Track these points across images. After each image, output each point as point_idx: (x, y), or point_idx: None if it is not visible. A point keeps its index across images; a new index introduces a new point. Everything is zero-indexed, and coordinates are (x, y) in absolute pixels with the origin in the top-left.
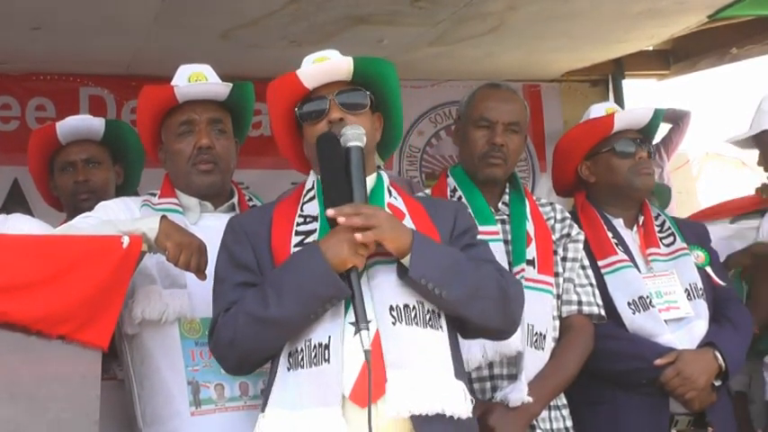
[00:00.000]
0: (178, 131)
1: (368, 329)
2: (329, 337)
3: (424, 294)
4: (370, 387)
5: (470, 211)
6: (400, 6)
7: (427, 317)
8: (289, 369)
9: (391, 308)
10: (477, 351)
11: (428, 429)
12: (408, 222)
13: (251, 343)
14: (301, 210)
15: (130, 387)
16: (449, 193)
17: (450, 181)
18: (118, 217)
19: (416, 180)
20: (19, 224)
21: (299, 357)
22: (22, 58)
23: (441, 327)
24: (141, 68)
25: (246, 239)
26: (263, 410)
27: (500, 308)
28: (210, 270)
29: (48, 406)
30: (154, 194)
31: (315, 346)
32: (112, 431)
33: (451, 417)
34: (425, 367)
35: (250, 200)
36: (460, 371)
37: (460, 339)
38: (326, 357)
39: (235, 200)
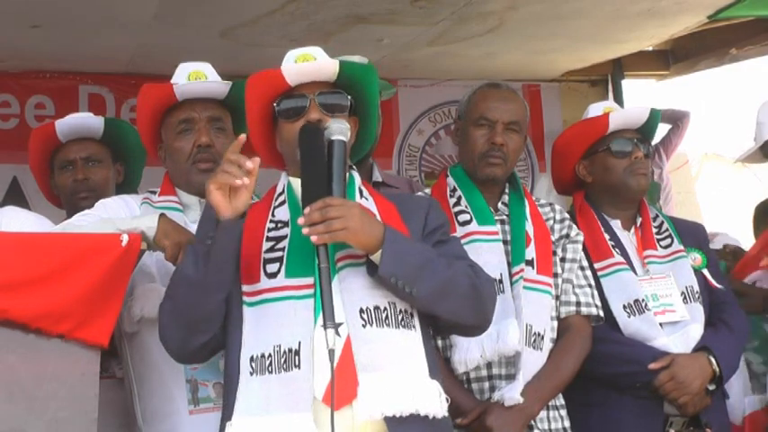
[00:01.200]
0: (178, 129)
1: (334, 328)
2: (299, 342)
3: (394, 292)
4: (333, 387)
5: (469, 208)
6: (400, 6)
7: (399, 317)
8: (252, 374)
9: (361, 310)
10: (475, 351)
11: (402, 430)
12: None
13: (174, 309)
14: (272, 214)
15: (129, 385)
16: (448, 193)
17: (450, 181)
18: (117, 215)
19: (416, 179)
20: (13, 218)
21: (267, 363)
22: (22, 56)
23: (414, 326)
24: (141, 66)
25: None
26: (228, 418)
27: (471, 305)
28: None
29: (46, 404)
30: (154, 192)
31: (284, 352)
32: (111, 429)
33: (426, 416)
34: (398, 369)
35: None
36: (435, 370)
37: (459, 340)
38: (297, 363)
39: None
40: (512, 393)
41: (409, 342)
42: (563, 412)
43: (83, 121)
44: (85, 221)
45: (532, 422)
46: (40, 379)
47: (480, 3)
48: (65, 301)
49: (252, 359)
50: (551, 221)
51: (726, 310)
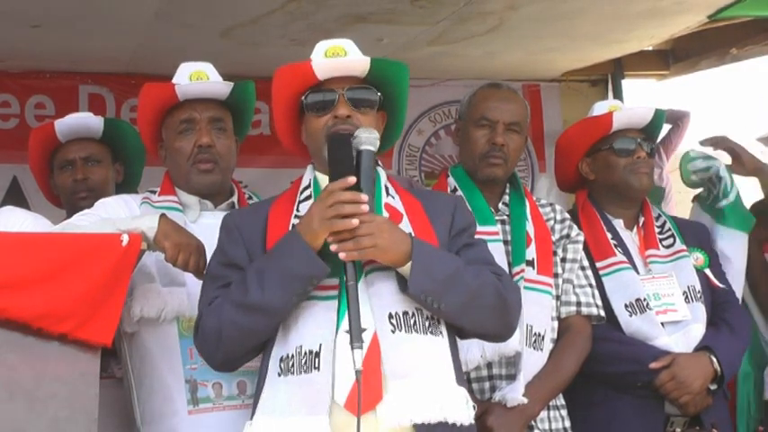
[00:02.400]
0: (179, 129)
1: (361, 348)
2: (320, 345)
3: (423, 306)
4: (359, 407)
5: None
6: (400, 5)
7: (426, 323)
8: (279, 374)
9: (390, 315)
10: (476, 351)
11: None
12: (406, 224)
13: (236, 332)
14: (297, 209)
15: (129, 385)
16: (448, 193)
17: (451, 181)
18: (117, 214)
19: (416, 179)
20: (12, 218)
21: (290, 363)
22: (22, 56)
23: (441, 333)
24: (141, 66)
25: (240, 237)
26: (251, 416)
27: (497, 315)
28: None
29: (47, 404)
30: (154, 192)
31: (305, 353)
32: (111, 430)
33: (454, 424)
34: (426, 375)
35: (250, 198)
36: (461, 376)
37: (459, 340)
38: (316, 365)
39: (234, 198)
40: (514, 394)
41: (436, 348)
42: (563, 412)
43: (82, 121)
44: (86, 221)
45: (533, 422)
46: (41, 379)
47: (480, 3)
48: (65, 300)
49: (281, 360)
50: (552, 221)
51: (728, 310)
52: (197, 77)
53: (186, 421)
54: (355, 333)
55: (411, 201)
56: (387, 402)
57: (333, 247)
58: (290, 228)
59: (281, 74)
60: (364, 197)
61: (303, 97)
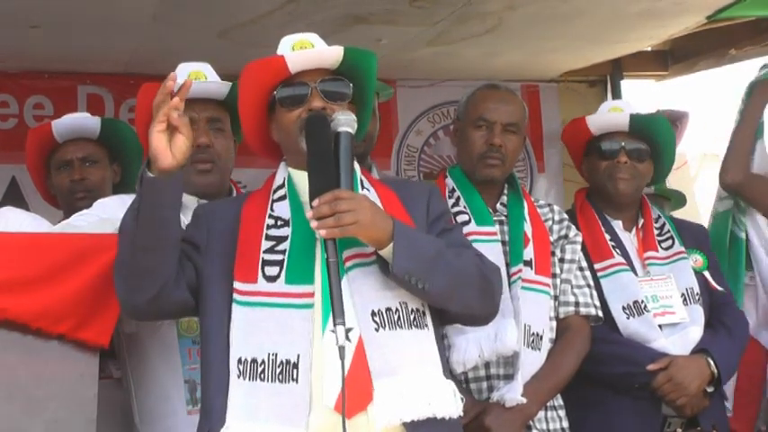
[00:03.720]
0: None
1: (344, 325)
2: (297, 355)
3: (407, 288)
4: (343, 385)
5: (467, 209)
6: (399, 6)
7: (411, 317)
8: (239, 377)
9: (373, 313)
10: (473, 351)
11: None
12: None
13: (120, 259)
14: (271, 209)
15: (128, 386)
16: (447, 194)
17: (449, 181)
18: (116, 214)
19: (415, 179)
20: (11, 218)
21: (260, 369)
22: (21, 57)
23: (426, 325)
24: (139, 67)
25: (204, 225)
26: (218, 420)
27: (481, 295)
28: None
29: (45, 405)
30: None
31: (281, 362)
32: (109, 430)
33: (443, 418)
34: (413, 371)
35: None
36: (448, 368)
37: (457, 340)
38: (294, 377)
39: (209, 202)
40: (512, 394)
41: (422, 342)
42: (561, 413)
43: (79, 121)
44: (84, 221)
45: (531, 422)
46: (39, 379)
47: (479, 3)
48: (64, 300)
49: (239, 361)
50: (550, 222)
51: (726, 313)
52: (195, 77)
53: (185, 421)
54: (338, 311)
55: (386, 192)
56: (375, 402)
57: (313, 224)
58: (264, 228)
59: (251, 69)
60: (169, 83)
61: (275, 92)
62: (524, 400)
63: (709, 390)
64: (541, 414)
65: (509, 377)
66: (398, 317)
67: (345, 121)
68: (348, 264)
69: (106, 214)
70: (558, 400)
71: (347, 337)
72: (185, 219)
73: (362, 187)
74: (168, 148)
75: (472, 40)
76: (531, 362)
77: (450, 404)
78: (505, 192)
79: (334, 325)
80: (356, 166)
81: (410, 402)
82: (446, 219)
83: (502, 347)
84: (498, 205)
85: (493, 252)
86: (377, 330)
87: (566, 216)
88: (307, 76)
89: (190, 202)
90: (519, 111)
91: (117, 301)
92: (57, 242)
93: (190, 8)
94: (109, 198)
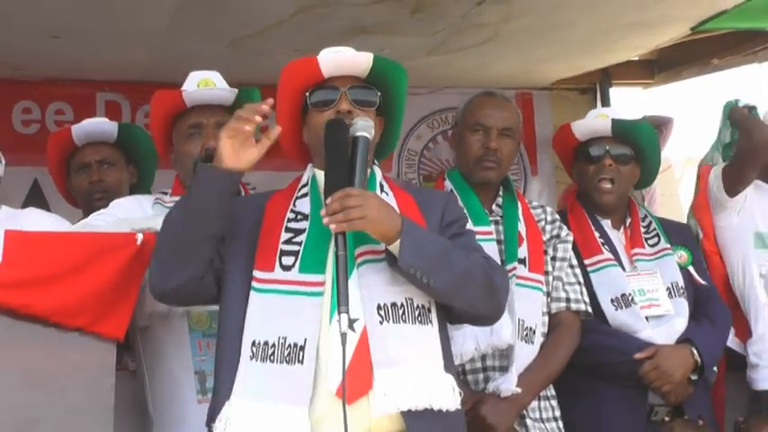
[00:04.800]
0: (187, 134)
1: (347, 313)
2: (305, 339)
3: (413, 282)
4: (344, 372)
5: (465, 210)
6: (400, 18)
7: (416, 312)
8: (252, 358)
9: (379, 306)
10: (470, 344)
11: (418, 423)
12: None
13: (167, 233)
14: (294, 205)
15: (141, 376)
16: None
17: (447, 183)
18: (131, 214)
19: (414, 182)
20: (33, 218)
21: (270, 351)
22: (42, 65)
23: (430, 321)
24: (155, 75)
25: (229, 218)
26: (220, 394)
27: (486, 295)
28: None
29: (65, 394)
30: (165, 193)
31: (289, 345)
32: (124, 419)
33: (440, 410)
34: (413, 364)
35: None
36: (450, 364)
37: (454, 333)
38: (300, 359)
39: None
40: (507, 385)
41: (425, 337)
42: (554, 402)
43: (97, 125)
44: (102, 221)
45: (524, 411)
46: (59, 370)
47: (476, 15)
48: (82, 296)
49: (253, 343)
50: (543, 222)
51: (709, 305)
52: (204, 84)
53: (195, 409)
54: (343, 299)
55: (404, 196)
56: (374, 391)
57: (325, 220)
58: (285, 221)
59: (289, 70)
60: (264, 107)
61: (307, 93)
62: (519, 391)
63: (693, 378)
64: (535, 404)
65: (504, 369)
66: (403, 312)
67: (363, 127)
68: (359, 259)
69: (122, 214)
70: (551, 391)
71: (352, 327)
72: None
73: (381, 191)
74: (236, 153)
75: (469, 50)
76: (525, 354)
77: (447, 397)
78: (501, 193)
79: (339, 313)
80: (378, 171)
81: (408, 392)
82: (460, 224)
83: (497, 341)
84: (494, 206)
85: (489, 251)
86: (381, 323)
87: (558, 217)
88: (339, 81)
89: None
90: (514, 116)
91: (132, 297)
92: (76, 241)
93: (202, 20)
94: (125, 198)
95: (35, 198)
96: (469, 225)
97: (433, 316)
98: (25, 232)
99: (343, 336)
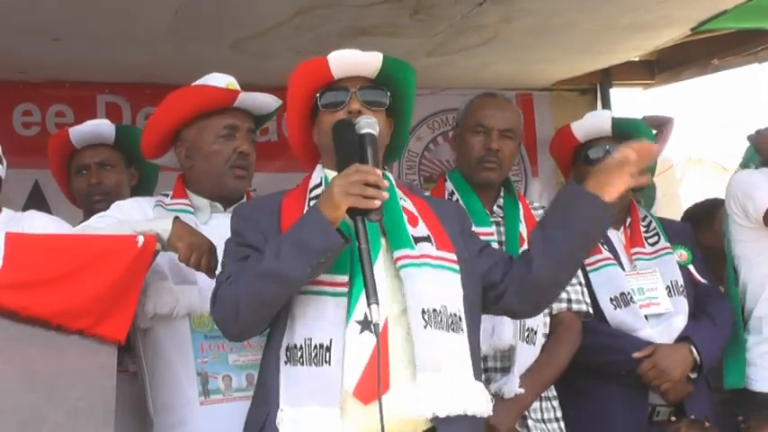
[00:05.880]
0: (221, 133)
1: (377, 303)
2: (330, 339)
3: (593, 223)
4: (378, 364)
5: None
6: (400, 19)
7: (449, 320)
8: (286, 363)
9: (423, 311)
10: None
11: (447, 427)
12: (422, 226)
13: (253, 301)
14: (308, 204)
15: (143, 378)
16: (446, 196)
17: (448, 184)
18: (132, 216)
19: (415, 182)
20: (34, 221)
21: (298, 355)
22: (43, 68)
23: (462, 329)
24: (155, 77)
25: (255, 223)
26: (273, 404)
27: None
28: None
29: (66, 395)
30: (167, 195)
31: (315, 346)
32: (125, 421)
33: (472, 416)
34: (450, 370)
35: None
36: (478, 372)
37: None
38: (327, 359)
39: (243, 201)
40: (510, 386)
41: (458, 344)
42: (555, 403)
43: (95, 128)
44: (103, 223)
45: (526, 412)
46: (61, 371)
47: (476, 16)
48: (84, 298)
49: (287, 348)
50: None
51: (709, 303)
52: (232, 87)
53: (197, 411)
54: (371, 290)
55: (420, 203)
56: (414, 392)
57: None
58: None
59: (299, 71)
60: (386, 183)
61: (318, 95)
62: (522, 391)
63: (693, 376)
64: (536, 404)
65: (506, 370)
66: (440, 318)
67: (367, 124)
68: (398, 263)
69: (123, 216)
70: (552, 392)
71: (370, 329)
72: (198, 220)
73: (399, 196)
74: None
75: (469, 51)
76: (527, 355)
77: (482, 403)
78: (502, 194)
79: (368, 305)
80: (391, 176)
81: (446, 398)
82: (477, 236)
83: (499, 342)
84: (495, 207)
85: None
86: (425, 327)
87: None
88: (349, 82)
89: (202, 204)
90: (515, 117)
91: (133, 299)
92: (76, 243)
93: (203, 21)
94: (126, 201)
95: (36, 200)
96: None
97: (464, 324)
98: (26, 235)
99: (376, 326)
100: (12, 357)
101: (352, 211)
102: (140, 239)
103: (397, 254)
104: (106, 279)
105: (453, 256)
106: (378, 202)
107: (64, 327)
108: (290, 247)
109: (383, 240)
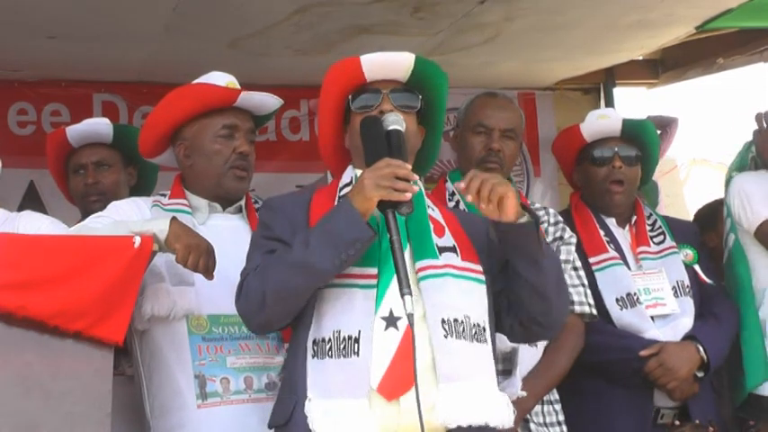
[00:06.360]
0: (220, 133)
1: (410, 294)
2: (359, 331)
3: (533, 247)
4: (414, 354)
5: (464, 207)
6: (401, 17)
7: (473, 331)
8: (314, 357)
9: (443, 321)
10: None
11: None
12: (448, 237)
13: (281, 291)
14: (338, 201)
15: (140, 381)
16: (447, 197)
17: (449, 185)
18: (129, 217)
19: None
20: (30, 221)
21: (328, 347)
22: (39, 66)
23: (485, 340)
24: (152, 76)
25: (284, 216)
26: (299, 396)
27: (562, 304)
28: (218, 269)
29: (62, 399)
30: (164, 195)
31: (344, 338)
32: (122, 424)
33: (494, 428)
34: (474, 380)
35: (256, 202)
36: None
37: None
38: (356, 350)
39: (242, 202)
40: (512, 389)
41: (481, 355)
42: (557, 407)
43: (92, 126)
44: (99, 224)
45: (528, 416)
46: (56, 375)
47: (477, 14)
48: (80, 299)
49: (314, 342)
50: (546, 224)
51: (715, 303)
52: (232, 86)
53: (195, 415)
54: (404, 281)
55: (448, 214)
56: (438, 401)
57: (469, 198)
58: None
59: (332, 72)
60: (415, 176)
61: (350, 97)
62: (524, 394)
63: (699, 375)
64: (538, 408)
65: (507, 373)
66: (463, 329)
67: (394, 121)
68: (420, 274)
69: (119, 216)
70: (554, 395)
71: (395, 326)
72: (196, 220)
73: (427, 206)
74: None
75: (471, 50)
76: (528, 358)
77: (504, 414)
78: None
79: (402, 296)
80: (420, 185)
81: (470, 407)
82: None
83: (500, 344)
84: None
85: None
86: (446, 337)
87: (560, 219)
88: (380, 84)
89: (200, 204)
90: (516, 117)
91: (130, 300)
92: (73, 244)
93: (201, 19)
94: (122, 201)
95: (31, 200)
96: None
97: (488, 335)
98: (22, 235)
99: (410, 316)
100: (7, 361)
101: (383, 204)
102: (137, 240)
103: (420, 264)
104: (103, 280)
105: (479, 267)
106: (409, 195)
107: (60, 328)
108: (319, 237)
109: (408, 246)
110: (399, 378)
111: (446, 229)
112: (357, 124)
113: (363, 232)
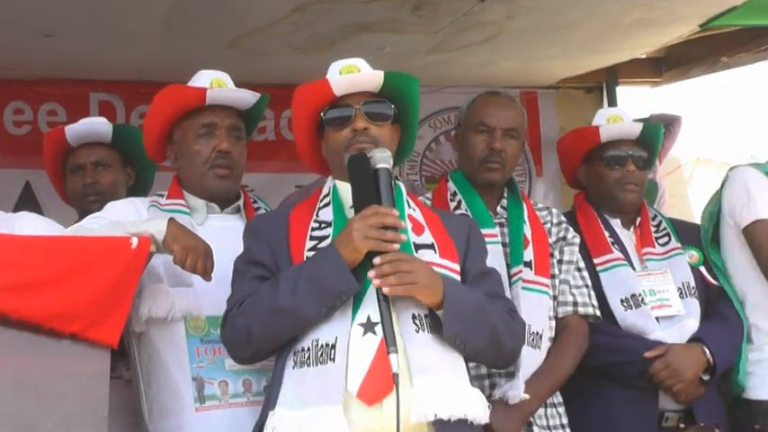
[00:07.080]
0: (199, 133)
1: (396, 352)
2: (335, 337)
3: (452, 345)
4: (398, 410)
5: (469, 212)
6: (401, 15)
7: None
8: (294, 367)
9: (414, 316)
10: None
11: None
12: (427, 235)
13: (265, 332)
14: (317, 215)
15: (137, 384)
16: (449, 197)
17: (450, 185)
18: (126, 217)
19: (417, 183)
20: (26, 222)
21: (306, 356)
22: (35, 65)
23: None
24: (150, 75)
25: (264, 238)
26: (271, 407)
27: (509, 352)
28: (217, 271)
29: (58, 402)
30: (162, 195)
31: (321, 346)
32: (119, 428)
33: (471, 422)
34: (447, 374)
35: (255, 202)
36: (472, 379)
37: None
38: (332, 357)
39: (240, 202)
40: (515, 391)
41: (452, 351)
42: (561, 409)
43: (91, 126)
44: (96, 225)
45: (531, 419)
46: (53, 378)
47: (478, 12)
48: (76, 301)
49: (294, 352)
50: (549, 224)
51: (721, 305)
52: (218, 85)
53: (193, 418)
54: (389, 339)
55: (430, 214)
56: (413, 396)
57: (375, 282)
58: (309, 230)
59: (300, 92)
60: (403, 224)
61: (322, 113)
62: (527, 397)
63: (705, 377)
64: (541, 411)
65: (510, 375)
66: (430, 322)
67: (381, 159)
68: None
69: (117, 217)
70: (558, 398)
71: (373, 331)
72: (194, 221)
73: (409, 206)
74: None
75: (472, 49)
76: (532, 360)
77: (479, 408)
78: (505, 195)
79: (388, 353)
80: (402, 186)
81: (445, 401)
82: (483, 257)
83: None
84: (499, 208)
85: (494, 254)
86: (417, 332)
87: (564, 219)
88: (351, 98)
89: (198, 204)
90: (518, 116)
91: (127, 302)
92: (69, 245)
93: (199, 18)
94: (120, 201)
95: (27, 201)
96: None
97: None
98: (17, 236)
99: (396, 375)
100: (2, 364)
101: (371, 254)
102: (134, 241)
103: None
104: (99, 282)
105: (456, 266)
106: (396, 246)
107: (56, 330)
108: (306, 286)
109: None
110: (378, 382)
111: (425, 227)
112: (331, 138)
113: (350, 285)
